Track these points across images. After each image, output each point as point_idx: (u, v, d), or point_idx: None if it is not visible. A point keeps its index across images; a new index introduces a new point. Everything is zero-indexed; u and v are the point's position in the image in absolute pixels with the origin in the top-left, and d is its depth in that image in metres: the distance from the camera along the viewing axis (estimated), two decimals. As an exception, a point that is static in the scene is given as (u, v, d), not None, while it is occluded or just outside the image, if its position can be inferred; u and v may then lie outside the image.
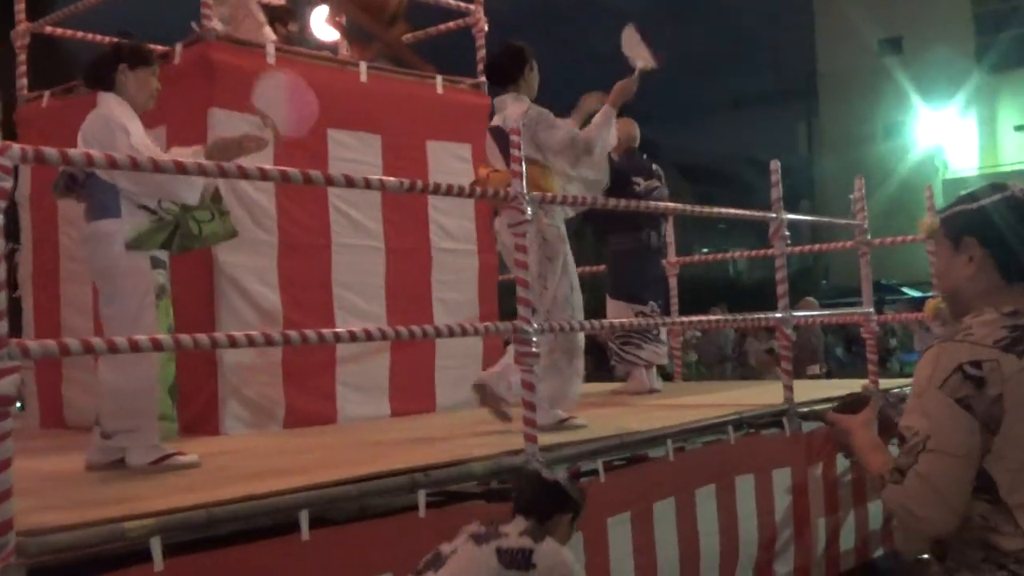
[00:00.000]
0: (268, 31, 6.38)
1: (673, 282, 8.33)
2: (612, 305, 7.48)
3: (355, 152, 6.10)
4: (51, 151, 3.02)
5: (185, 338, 3.26)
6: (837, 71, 34.45)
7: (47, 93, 6.59)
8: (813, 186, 36.49)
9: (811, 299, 12.41)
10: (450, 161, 6.52)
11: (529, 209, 4.20)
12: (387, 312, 6.15)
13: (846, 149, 32.15)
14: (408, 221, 6.34)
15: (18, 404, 7.96)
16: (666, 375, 8.49)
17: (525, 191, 4.20)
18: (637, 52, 5.31)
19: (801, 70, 39.24)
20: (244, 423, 5.49)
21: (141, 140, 4.10)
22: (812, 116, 38.55)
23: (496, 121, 5.17)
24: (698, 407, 5.81)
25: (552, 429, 4.69)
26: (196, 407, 5.53)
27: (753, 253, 10.20)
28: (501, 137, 4.94)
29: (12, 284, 7.61)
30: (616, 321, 6.60)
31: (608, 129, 5.16)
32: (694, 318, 6.97)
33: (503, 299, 6.62)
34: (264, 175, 3.71)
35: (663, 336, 7.57)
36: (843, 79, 33.87)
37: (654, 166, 7.59)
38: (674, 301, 8.27)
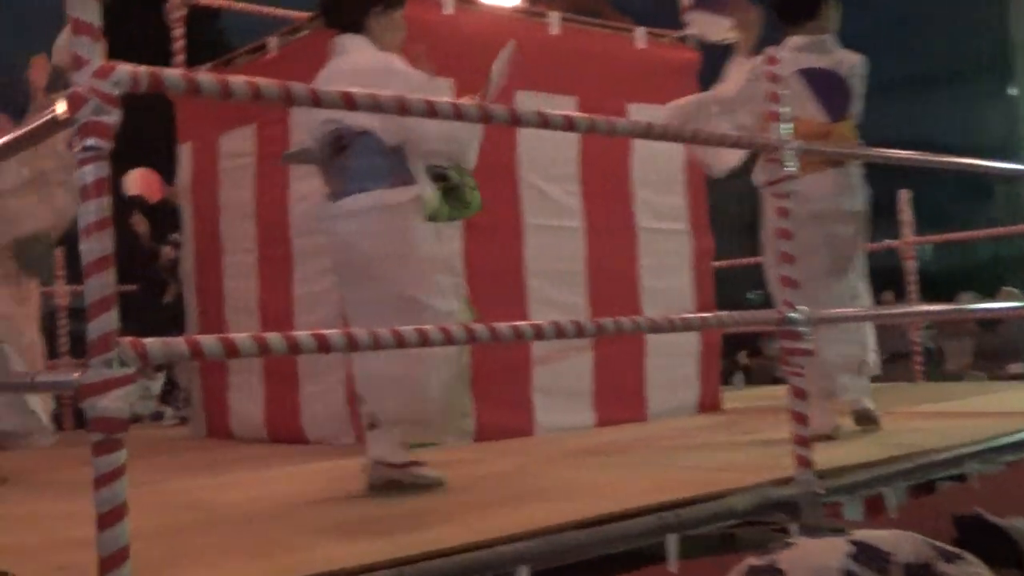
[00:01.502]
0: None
1: (910, 265, 7.19)
2: None
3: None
4: (268, 85, 2.18)
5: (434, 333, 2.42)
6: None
7: (204, 69, 5.95)
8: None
9: (1012, 289, 11.14)
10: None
11: (791, 163, 3.21)
12: (589, 303, 5.25)
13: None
14: (610, 197, 5.42)
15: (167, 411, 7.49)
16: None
17: (790, 141, 3.21)
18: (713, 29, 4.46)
19: (991, 41, 36.40)
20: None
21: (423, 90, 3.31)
22: (1005, 91, 35.73)
23: (819, 63, 4.21)
24: (959, 416, 4.67)
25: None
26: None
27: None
28: (824, 82, 4.08)
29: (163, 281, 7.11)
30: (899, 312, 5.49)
31: None
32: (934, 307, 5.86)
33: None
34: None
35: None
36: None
37: None
38: (912, 288, 7.14)
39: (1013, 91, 31.67)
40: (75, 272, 7.28)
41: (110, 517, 1.90)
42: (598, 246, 5.32)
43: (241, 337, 2.09)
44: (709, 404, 5.76)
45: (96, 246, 1.94)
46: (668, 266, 5.65)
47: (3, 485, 3.96)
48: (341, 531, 2.71)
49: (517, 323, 2.57)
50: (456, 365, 3.31)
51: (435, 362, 3.23)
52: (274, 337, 2.13)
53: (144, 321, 5.68)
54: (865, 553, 2.24)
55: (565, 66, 5.31)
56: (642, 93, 5.55)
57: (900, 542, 2.28)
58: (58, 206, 4.41)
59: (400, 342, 2.30)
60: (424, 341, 2.36)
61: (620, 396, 5.33)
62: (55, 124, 2.03)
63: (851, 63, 4.25)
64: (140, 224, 7.39)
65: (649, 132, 2.99)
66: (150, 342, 1.98)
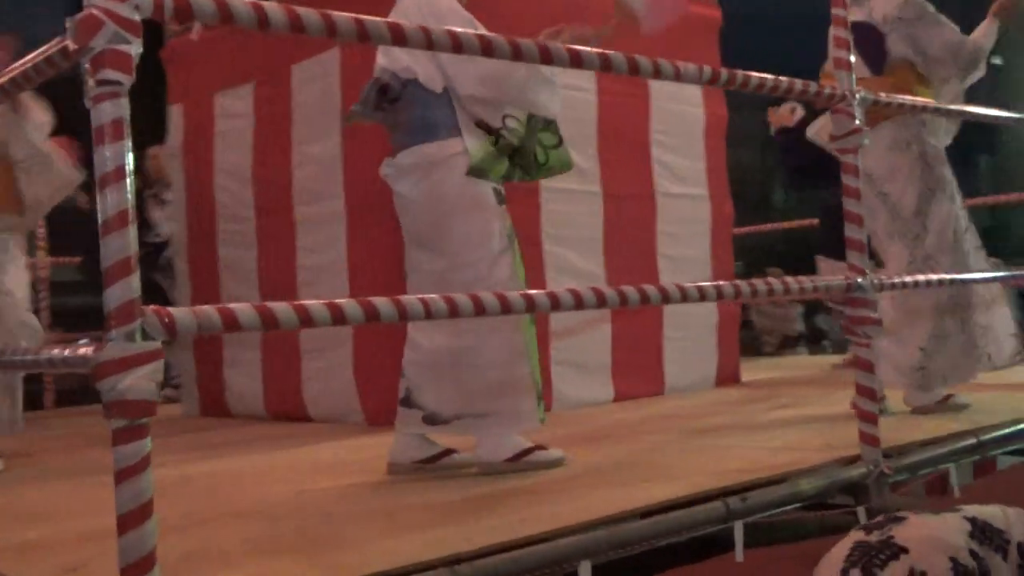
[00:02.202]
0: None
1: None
2: (826, 266, 6.47)
3: (564, 75, 4.91)
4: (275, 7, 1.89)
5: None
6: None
7: (198, 24, 5.59)
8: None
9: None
10: (675, 89, 5.27)
11: (859, 115, 2.94)
12: (606, 271, 4.98)
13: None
14: (628, 160, 5.14)
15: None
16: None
17: (858, 91, 2.94)
18: None
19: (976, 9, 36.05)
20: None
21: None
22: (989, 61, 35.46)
23: (858, 15, 3.89)
24: (1017, 388, 4.43)
25: (933, 411, 3.71)
26: (382, 393, 4.48)
27: None
28: (864, 34, 3.82)
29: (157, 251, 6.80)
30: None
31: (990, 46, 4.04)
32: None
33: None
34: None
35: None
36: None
37: None
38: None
39: (996, 60, 31.57)
40: (57, 243, 6.92)
41: (135, 516, 1.62)
42: (616, 212, 5.04)
43: (279, 306, 1.81)
44: (727, 377, 5.52)
45: (114, 199, 1.65)
46: (687, 234, 5.38)
47: None
48: (383, 522, 2.43)
49: (557, 291, 2.29)
50: (514, 338, 2.98)
51: (497, 340, 2.94)
52: (316, 306, 1.85)
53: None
54: (982, 532, 2.00)
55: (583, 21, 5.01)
56: (660, 53, 5.24)
57: (1012, 519, 2.05)
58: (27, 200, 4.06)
59: (428, 312, 2.01)
60: (453, 311, 2.07)
61: (638, 370, 5.07)
62: (64, 55, 1.73)
63: (884, 12, 3.96)
64: (84, 202, 7.08)
65: (699, 77, 2.70)
66: (178, 312, 1.70)
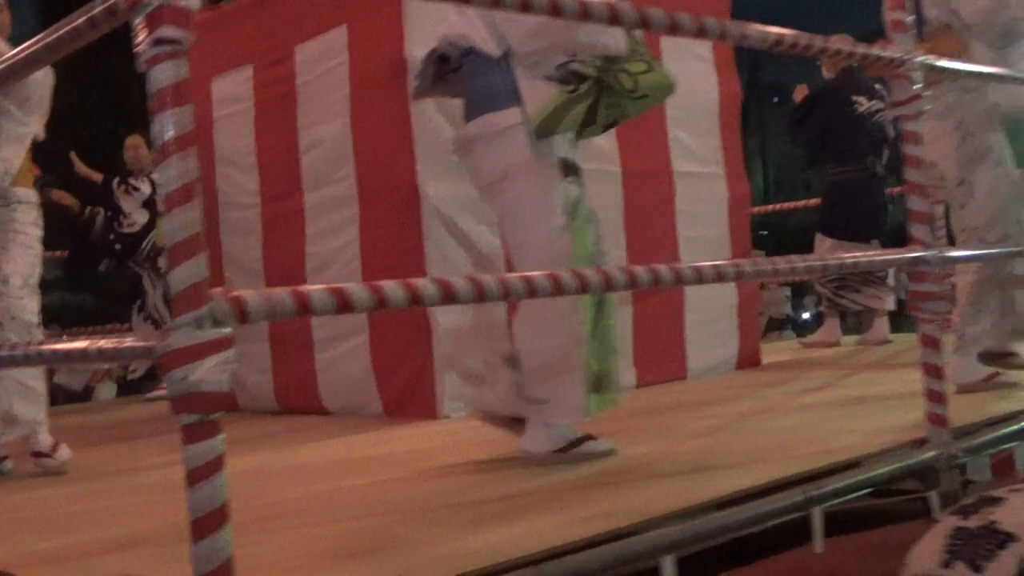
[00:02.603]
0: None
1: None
2: (824, 243, 6.58)
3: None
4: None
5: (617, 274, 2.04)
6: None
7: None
8: None
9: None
10: (689, 62, 5.12)
11: (919, 80, 2.80)
12: (628, 253, 4.83)
13: None
14: (644, 138, 4.98)
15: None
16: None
17: (917, 54, 2.80)
18: None
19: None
20: (466, 403, 4.23)
21: None
22: None
23: None
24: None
25: (979, 388, 3.56)
26: (402, 383, 4.33)
27: None
28: None
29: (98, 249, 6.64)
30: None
31: None
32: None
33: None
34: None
35: (890, 279, 6.59)
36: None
37: (876, 86, 6.56)
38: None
39: None
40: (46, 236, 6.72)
41: (209, 521, 1.47)
42: (635, 191, 4.89)
43: (355, 287, 1.65)
44: (748, 360, 5.39)
45: (177, 170, 1.49)
46: (705, 213, 5.24)
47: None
48: (452, 519, 2.28)
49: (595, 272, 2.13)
50: (568, 322, 2.81)
51: (549, 323, 2.79)
52: (391, 286, 1.69)
53: (80, 290, 5.30)
54: None
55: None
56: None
57: None
58: None
59: (480, 292, 1.83)
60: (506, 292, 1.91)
61: (660, 353, 4.93)
62: (111, 13, 1.56)
63: None
64: (63, 197, 6.89)
65: (763, 40, 2.53)
66: (250, 295, 1.53)
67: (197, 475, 1.46)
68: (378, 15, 4.32)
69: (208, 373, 1.46)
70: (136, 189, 6.65)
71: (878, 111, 6.66)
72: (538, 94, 2.78)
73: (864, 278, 6.50)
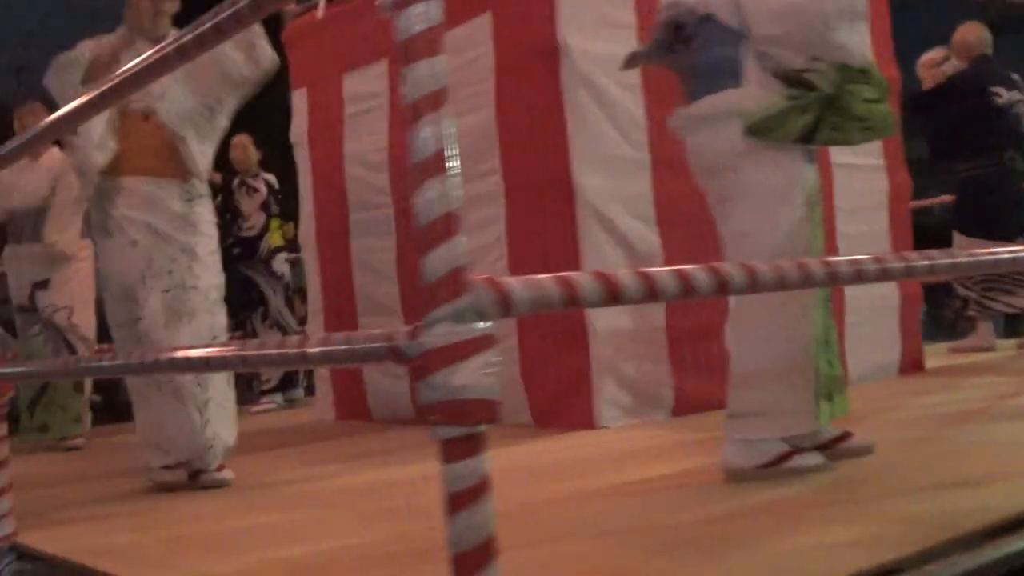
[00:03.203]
0: None
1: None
2: (963, 243, 6.03)
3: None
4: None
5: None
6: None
7: (322, 2, 5.23)
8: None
9: None
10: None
11: None
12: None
13: None
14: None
15: (297, 390, 6.81)
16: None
17: None
18: None
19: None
20: (624, 412, 3.97)
21: None
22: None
23: None
24: None
25: None
26: (554, 390, 4.07)
27: None
28: None
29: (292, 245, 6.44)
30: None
31: None
32: None
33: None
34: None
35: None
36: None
37: (1014, 76, 6.17)
38: None
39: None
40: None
41: (476, 558, 1.21)
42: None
43: (625, 275, 1.38)
44: (911, 365, 5.01)
45: (430, 134, 1.25)
46: (863, 207, 4.88)
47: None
48: (677, 544, 2.00)
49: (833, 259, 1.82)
50: (797, 324, 2.53)
51: (772, 326, 2.51)
52: (664, 274, 1.42)
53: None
54: None
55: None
56: None
57: None
58: None
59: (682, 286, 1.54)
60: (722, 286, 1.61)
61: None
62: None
63: None
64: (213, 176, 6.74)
65: None
66: (513, 284, 1.28)
67: (460, 501, 1.21)
68: (527, 1, 4.08)
69: (473, 377, 1.20)
70: (256, 190, 6.48)
71: (1017, 103, 6.25)
72: (759, 90, 2.49)
73: (1016, 280, 6.08)
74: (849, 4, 2.48)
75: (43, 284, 4.76)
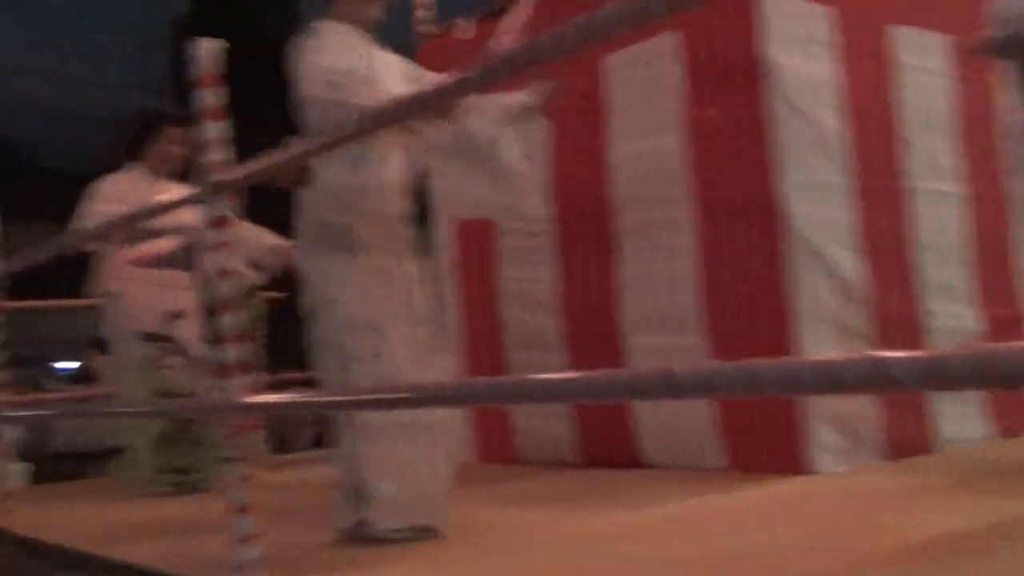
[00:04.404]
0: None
1: None
2: None
3: (919, 56, 4.22)
4: None
5: None
6: None
7: (462, 22, 4.95)
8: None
9: None
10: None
11: None
12: (981, 287, 4.23)
13: None
14: (989, 156, 4.39)
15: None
16: None
17: None
18: None
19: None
20: (837, 455, 3.67)
21: None
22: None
23: None
24: None
25: None
26: (756, 432, 3.78)
27: None
28: None
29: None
30: None
31: None
32: None
33: None
34: None
35: None
36: None
37: None
38: None
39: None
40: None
41: None
42: (983, 217, 4.29)
43: None
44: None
45: None
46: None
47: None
48: None
49: None
50: None
51: None
52: None
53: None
54: None
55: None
56: (907, 13, 4.23)
57: None
58: None
59: None
60: None
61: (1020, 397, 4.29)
62: None
63: None
64: None
65: None
66: None
67: None
68: (722, 16, 3.83)
69: None
70: None
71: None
72: None
73: None
74: None
75: (179, 314, 4.45)
